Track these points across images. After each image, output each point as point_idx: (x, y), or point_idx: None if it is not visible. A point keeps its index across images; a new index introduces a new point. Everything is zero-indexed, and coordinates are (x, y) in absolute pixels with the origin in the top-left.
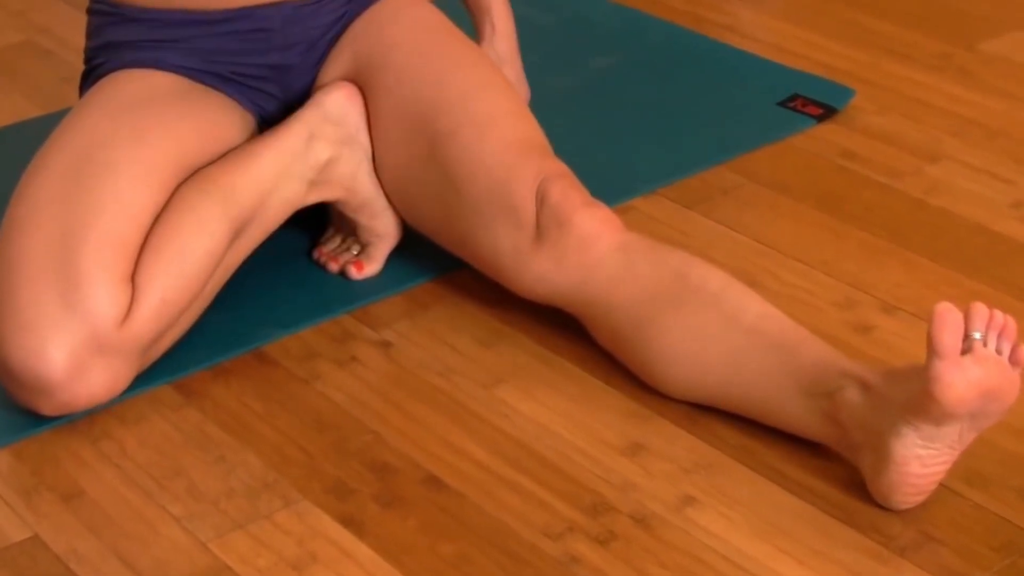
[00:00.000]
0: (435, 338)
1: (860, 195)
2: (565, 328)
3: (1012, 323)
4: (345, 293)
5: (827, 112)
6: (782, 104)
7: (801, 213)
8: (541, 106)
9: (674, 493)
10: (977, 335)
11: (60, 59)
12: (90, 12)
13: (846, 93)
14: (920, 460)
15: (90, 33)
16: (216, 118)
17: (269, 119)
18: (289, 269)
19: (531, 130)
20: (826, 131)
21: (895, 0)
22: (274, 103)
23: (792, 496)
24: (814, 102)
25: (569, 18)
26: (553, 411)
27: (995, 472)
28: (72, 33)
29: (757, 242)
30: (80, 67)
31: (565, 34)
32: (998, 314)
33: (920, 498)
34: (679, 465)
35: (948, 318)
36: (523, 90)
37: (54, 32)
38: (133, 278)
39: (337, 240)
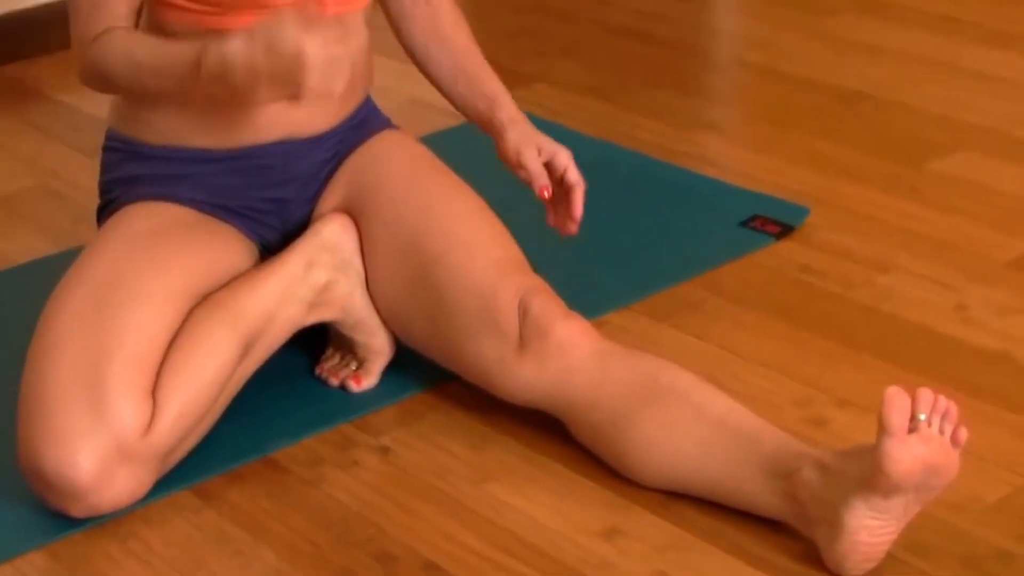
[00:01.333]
0: (429, 443)
1: (816, 305)
2: (547, 430)
3: (954, 407)
4: (345, 405)
5: (785, 230)
6: (743, 224)
7: (763, 323)
8: (521, 231)
9: (648, 570)
10: (922, 416)
11: (71, 201)
12: (105, 149)
13: (802, 212)
14: (869, 530)
15: (105, 168)
16: (223, 248)
17: (270, 247)
18: (294, 384)
19: (511, 250)
20: (784, 247)
21: (851, 127)
22: (274, 233)
23: (756, 570)
24: (773, 221)
25: None
26: (538, 504)
27: (937, 542)
28: (81, 176)
29: (723, 350)
30: (90, 207)
31: None
32: (942, 398)
33: (870, 565)
34: (653, 546)
35: (897, 400)
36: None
37: (64, 176)
38: (153, 393)
39: (336, 357)
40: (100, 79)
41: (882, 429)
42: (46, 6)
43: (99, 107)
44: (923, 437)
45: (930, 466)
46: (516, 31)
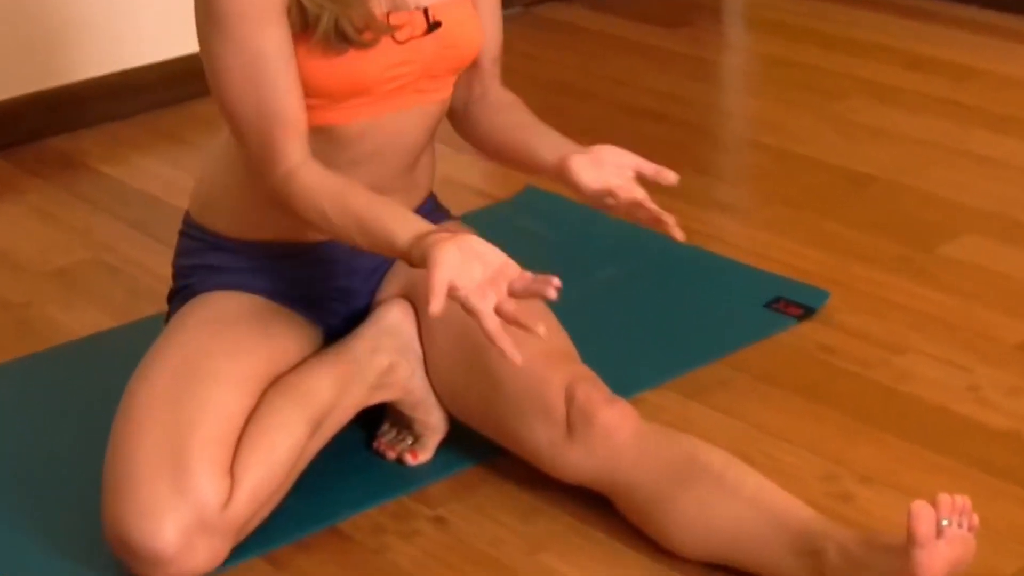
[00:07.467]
0: (483, 514)
1: (837, 384)
2: (592, 502)
3: (968, 502)
4: (403, 477)
5: (806, 312)
6: (767, 306)
7: (787, 401)
8: (556, 312)
9: None
10: (945, 522)
11: (126, 275)
12: (183, 235)
13: (822, 296)
14: None
15: (181, 252)
16: (293, 334)
17: (334, 332)
18: (354, 458)
19: (560, 340)
20: (806, 329)
21: (861, 210)
22: (338, 319)
23: None
24: (795, 303)
25: (574, 233)
26: (588, 572)
27: None
28: (134, 251)
29: (751, 426)
30: (145, 282)
31: (572, 249)
32: (958, 499)
33: None
34: None
35: (924, 513)
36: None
37: (117, 250)
38: (231, 470)
39: (393, 432)
40: (302, 212)
41: (912, 541)
42: (89, 80)
43: (144, 181)
44: (948, 540)
45: (956, 562)
46: (540, 110)
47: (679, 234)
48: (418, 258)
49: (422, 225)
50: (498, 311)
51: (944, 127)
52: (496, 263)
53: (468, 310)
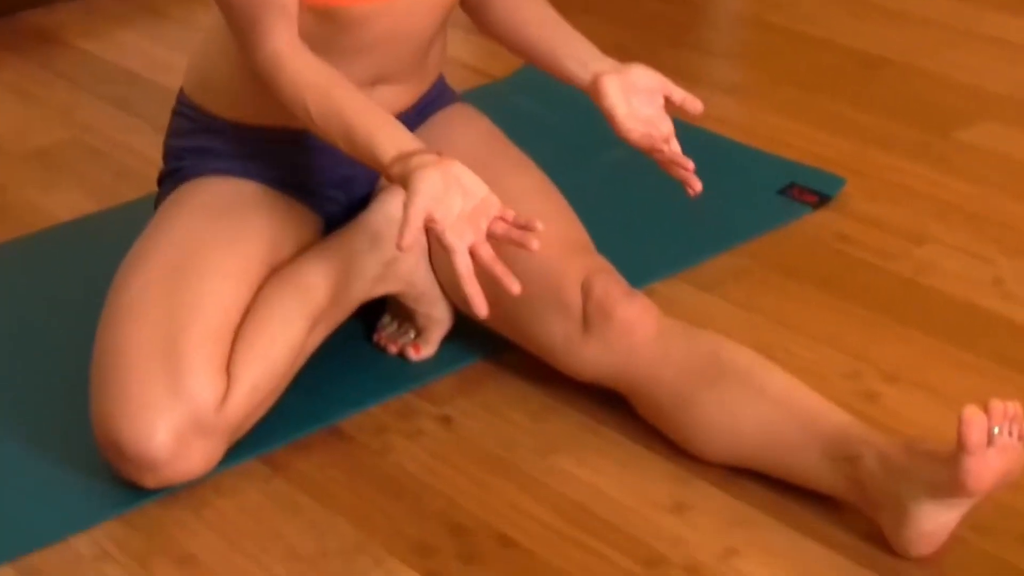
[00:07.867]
0: (491, 412)
1: (856, 276)
2: (606, 401)
3: (1020, 409)
4: (406, 373)
5: (822, 200)
6: (781, 193)
7: (806, 293)
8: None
9: (719, 545)
10: (996, 430)
11: (109, 156)
12: (176, 113)
13: (838, 182)
14: (935, 521)
15: (174, 133)
16: (292, 222)
17: (333, 220)
18: (353, 352)
19: (575, 230)
20: (822, 217)
21: (875, 93)
22: (339, 208)
23: (823, 547)
24: (809, 190)
25: (577, 114)
26: (604, 475)
27: (997, 522)
28: (117, 132)
29: (770, 321)
30: (129, 164)
31: (574, 130)
32: (1010, 406)
33: (934, 549)
34: (721, 521)
35: (975, 420)
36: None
37: (99, 131)
38: (227, 367)
39: (394, 325)
40: (285, 101)
41: (962, 448)
42: None
43: (124, 57)
44: (1000, 448)
45: (1006, 473)
46: None
47: (696, 187)
48: (398, 177)
49: (408, 142)
50: (473, 252)
51: (957, 7)
52: (478, 195)
53: (443, 245)
